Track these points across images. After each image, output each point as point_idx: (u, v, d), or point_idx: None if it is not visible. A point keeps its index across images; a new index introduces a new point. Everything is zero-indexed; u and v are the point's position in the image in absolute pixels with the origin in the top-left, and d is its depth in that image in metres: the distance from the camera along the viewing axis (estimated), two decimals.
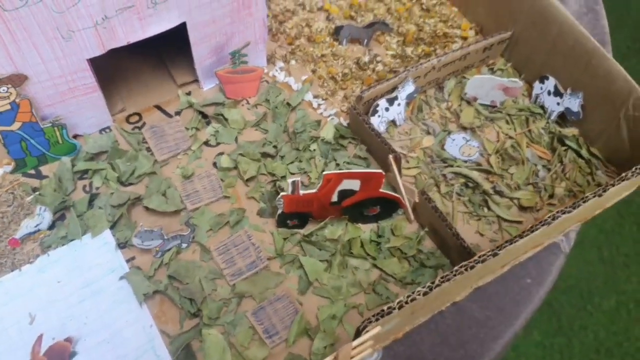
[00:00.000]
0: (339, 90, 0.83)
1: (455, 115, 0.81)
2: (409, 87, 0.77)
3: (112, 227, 0.70)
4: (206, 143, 0.78)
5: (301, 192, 0.65)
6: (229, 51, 0.77)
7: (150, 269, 0.67)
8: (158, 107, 0.80)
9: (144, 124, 0.79)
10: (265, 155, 0.76)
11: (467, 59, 0.82)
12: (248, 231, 0.70)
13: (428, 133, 0.80)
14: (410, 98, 0.78)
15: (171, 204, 0.71)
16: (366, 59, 0.86)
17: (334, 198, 0.67)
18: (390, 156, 0.71)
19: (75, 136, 0.76)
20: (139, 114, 0.80)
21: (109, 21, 0.65)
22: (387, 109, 0.77)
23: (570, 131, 0.78)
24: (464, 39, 0.88)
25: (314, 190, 0.65)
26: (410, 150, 0.78)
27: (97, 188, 0.73)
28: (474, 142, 0.75)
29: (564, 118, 0.79)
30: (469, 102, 0.82)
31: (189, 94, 0.81)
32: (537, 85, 0.81)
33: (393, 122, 0.79)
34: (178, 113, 0.80)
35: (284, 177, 0.74)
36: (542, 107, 0.81)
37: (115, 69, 0.81)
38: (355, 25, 0.85)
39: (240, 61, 0.77)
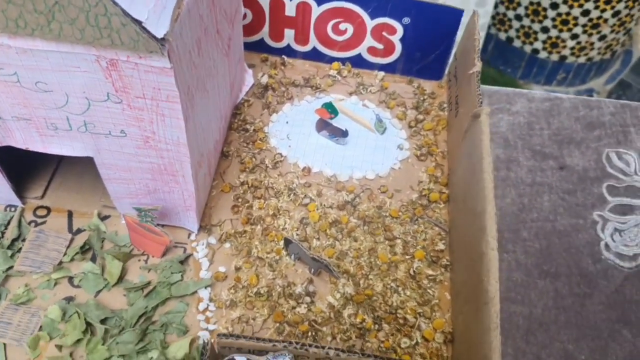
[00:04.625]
0: (239, 306, 0.67)
1: None
2: None
3: None
4: (70, 279, 0.68)
5: None
6: (151, 203, 0.68)
7: None
8: (70, 214, 0.74)
9: (45, 222, 0.73)
10: (96, 329, 0.64)
11: None
12: None
13: None
14: None
15: None
16: (298, 289, 0.69)
17: None
18: None
19: None
20: (49, 210, 0.74)
21: (4, 121, 0.60)
22: None
23: None
24: (426, 340, 0.66)
25: None
26: None
27: None
28: None
29: None
30: None
31: (105, 218, 0.73)
32: None
33: None
34: (80, 231, 0.72)
35: None
36: None
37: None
38: (304, 249, 0.69)
39: (146, 220, 0.67)
